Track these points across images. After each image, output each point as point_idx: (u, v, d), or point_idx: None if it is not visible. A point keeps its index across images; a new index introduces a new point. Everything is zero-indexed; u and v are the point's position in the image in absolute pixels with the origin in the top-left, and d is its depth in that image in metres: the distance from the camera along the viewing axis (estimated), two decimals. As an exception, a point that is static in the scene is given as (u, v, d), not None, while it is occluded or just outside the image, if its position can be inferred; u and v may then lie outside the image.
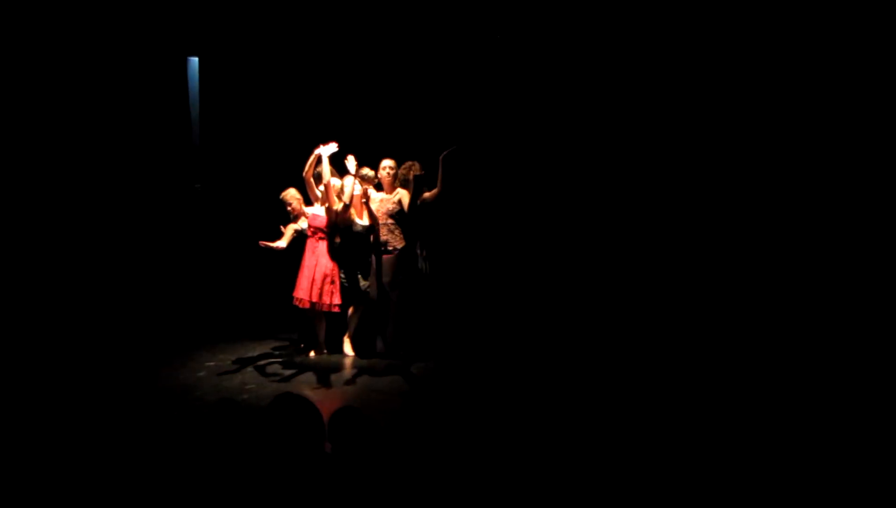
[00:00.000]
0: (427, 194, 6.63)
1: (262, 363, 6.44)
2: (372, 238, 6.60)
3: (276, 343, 7.22)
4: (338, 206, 6.57)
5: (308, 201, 6.74)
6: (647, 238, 6.86)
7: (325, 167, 6.45)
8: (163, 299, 7.91)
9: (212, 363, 6.41)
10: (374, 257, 6.66)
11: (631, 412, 4.90)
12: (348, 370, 6.31)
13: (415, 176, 6.52)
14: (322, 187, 6.57)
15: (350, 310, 6.81)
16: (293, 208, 6.82)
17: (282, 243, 6.68)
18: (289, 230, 6.80)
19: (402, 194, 6.68)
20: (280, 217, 6.97)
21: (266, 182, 7.74)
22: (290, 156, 7.24)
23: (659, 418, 4.78)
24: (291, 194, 6.83)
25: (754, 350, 5.86)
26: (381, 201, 6.71)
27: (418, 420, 4.74)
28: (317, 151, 6.46)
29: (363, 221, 6.65)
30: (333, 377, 6.09)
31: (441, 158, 6.45)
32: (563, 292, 7.18)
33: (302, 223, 6.82)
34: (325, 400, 5.40)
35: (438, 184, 6.57)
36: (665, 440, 4.38)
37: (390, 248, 6.62)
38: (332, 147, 6.46)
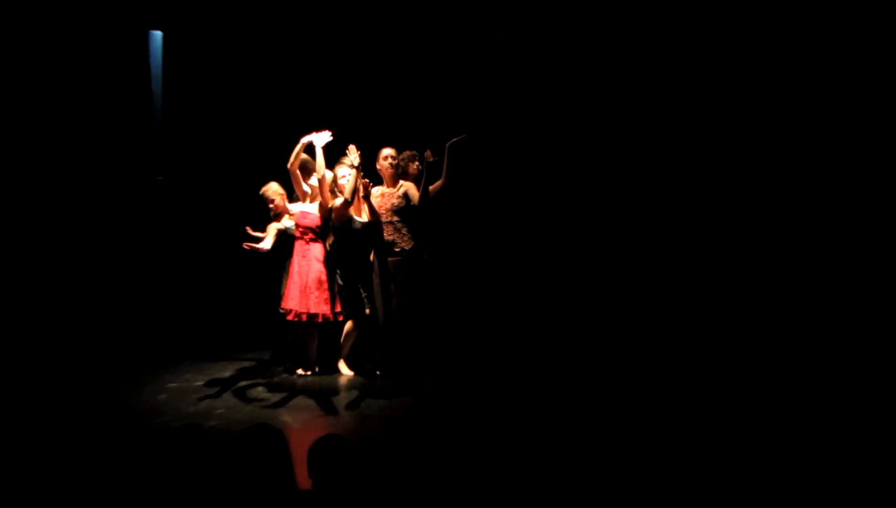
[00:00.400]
0: (430, 187, 6.50)
1: (237, 384, 6.28)
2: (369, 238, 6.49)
3: (253, 361, 7.06)
4: (335, 202, 6.38)
5: (291, 198, 6.65)
6: (651, 239, 7.12)
7: (319, 159, 6.25)
8: (118, 308, 7.82)
9: (174, 385, 6.26)
10: (375, 261, 6.49)
11: (643, 427, 5.05)
12: (343, 393, 6.12)
13: (427, 164, 6.37)
14: (313, 181, 6.38)
15: (348, 325, 6.56)
16: (276, 205, 6.64)
17: (266, 244, 6.41)
18: (271, 229, 6.56)
19: (408, 187, 6.52)
20: (260, 216, 6.73)
21: (241, 174, 7.69)
22: (270, 145, 7.17)
23: (665, 425, 5.05)
24: (273, 190, 6.65)
25: (754, 350, 6.27)
26: (383, 196, 6.52)
27: (423, 454, 4.68)
28: (304, 140, 6.26)
29: (361, 218, 6.47)
30: (324, 399, 5.89)
31: (447, 146, 6.34)
32: (580, 303, 7.29)
33: (286, 222, 6.63)
34: (309, 428, 5.24)
35: (443, 175, 6.47)
36: (671, 445, 4.67)
37: (397, 249, 6.46)
38: (326, 136, 6.25)
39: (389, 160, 6.56)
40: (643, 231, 7.24)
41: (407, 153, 6.66)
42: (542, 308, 7.45)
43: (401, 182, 6.60)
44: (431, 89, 7.93)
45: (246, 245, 6.31)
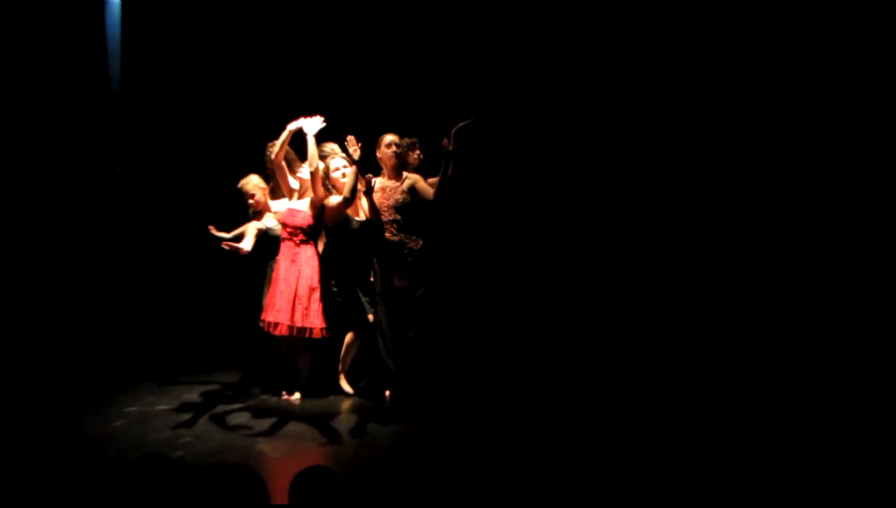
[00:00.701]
0: (433, 180, 6.33)
1: (208, 408, 6.17)
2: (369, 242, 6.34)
3: (226, 381, 6.93)
4: (330, 200, 6.21)
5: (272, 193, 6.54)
6: (655, 239, 7.38)
7: (312, 148, 6.07)
8: (68, 320, 7.70)
9: (133, 409, 6.12)
10: (377, 266, 6.33)
11: (657, 437, 5.33)
12: (338, 417, 6.00)
13: (444, 153, 6.11)
14: (303, 174, 6.26)
15: (349, 337, 6.42)
16: (256, 202, 6.49)
17: (246, 245, 6.25)
18: (250, 229, 6.42)
19: (415, 180, 6.31)
20: (235, 214, 6.65)
21: (213, 166, 7.65)
22: (249, 132, 7.11)
23: (674, 432, 5.41)
24: (254, 183, 6.50)
25: (754, 351, 6.64)
26: (384, 191, 6.30)
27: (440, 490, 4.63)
28: (292, 127, 6.13)
29: (358, 216, 6.35)
30: (313, 426, 5.76)
31: (453, 132, 6.13)
32: (600, 313, 7.46)
33: (268, 221, 6.51)
34: (293, 459, 5.12)
35: (449, 166, 6.21)
36: (677, 451, 5.06)
37: (405, 251, 6.27)
38: (317, 122, 6.12)
39: (394, 148, 6.33)
40: (653, 231, 7.44)
41: (406, 140, 6.46)
42: (562, 320, 7.51)
43: (405, 174, 6.39)
44: (431, 67, 7.83)
45: (225, 245, 6.14)
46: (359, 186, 6.27)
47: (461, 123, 6.16)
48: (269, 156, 6.45)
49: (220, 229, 6.44)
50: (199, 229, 6.59)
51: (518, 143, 7.72)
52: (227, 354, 7.54)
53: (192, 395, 6.59)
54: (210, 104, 8.31)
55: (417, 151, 6.48)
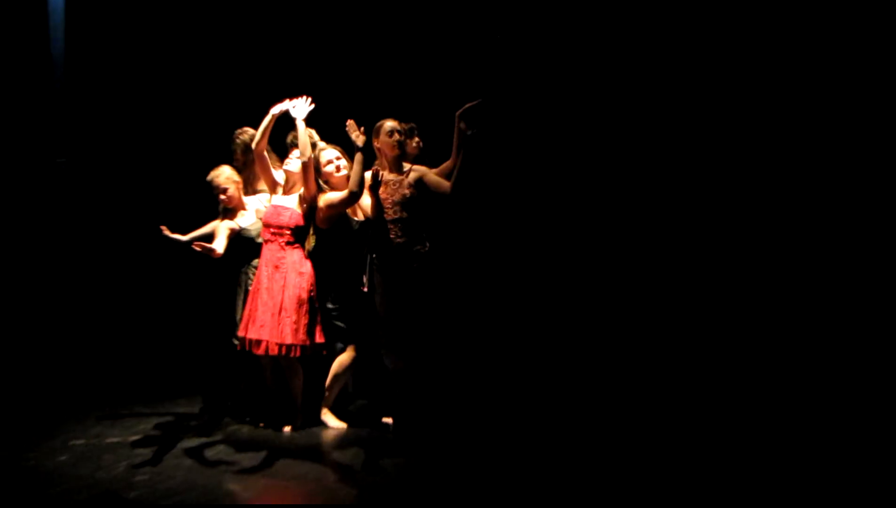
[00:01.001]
0: (438, 169, 6.26)
1: (169, 441, 6.05)
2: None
3: (189, 410, 6.88)
4: (329, 196, 6.05)
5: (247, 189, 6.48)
6: (660, 242, 7.69)
7: (303, 136, 5.92)
8: (2, 336, 7.59)
9: (80, 442, 5.92)
10: (378, 274, 6.22)
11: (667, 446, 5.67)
12: (328, 451, 5.82)
13: (463, 138, 5.99)
14: (290, 166, 6.17)
15: (343, 358, 6.23)
16: (229, 197, 6.33)
17: (218, 247, 6.08)
18: (221, 229, 6.26)
19: (423, 172, 6.17)
20: (199, 212, 6.55)
21: (169, 157, 7.78)
22: (210, 119, 7.17)
23: (679, 438, 5.84)
24: (227, 176, 6.34)
25: (754, 351, 7.09)
26: (388, 186, 6.16)
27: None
28: (276, 111, 6.00)
29: (357, 216, 6.27)
30: (298, 460, 5.62)
31: (458, 115, 6.00)
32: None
33: (241, 220, 6.40)
34: (269, 498, 5.05)
35: (453, 155, 6.17)
36: (682, 456, 5.46)
37: (412, 256, 6.17)
38: (305, 105, 6.02)
39: (396, 136, 6.17)
40: (658, 233, 7.72)
41: (404, 126, 6.40)
42: (580, 338, 7.69)
43: (407, 166, 6.27)
44: (430, 41, 7.93)
45: (196, 246, 5.95)
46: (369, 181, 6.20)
47: (468, 104, 6.05)
48: (240, 144, 6.46)
49: (175, 231, 6.26)
50: (155, 230, 6.39)
51: (524, 131, 7.88)
52: (191, 378, 7.46)
53: (149, 426, 6.45)
54: (168, 86, 8.27)
55: (416, 139, 6.42)
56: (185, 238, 6.23)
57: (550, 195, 7.88)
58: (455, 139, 6.12)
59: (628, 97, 7.68)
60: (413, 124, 6.42)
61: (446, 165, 6.28)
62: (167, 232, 6.15)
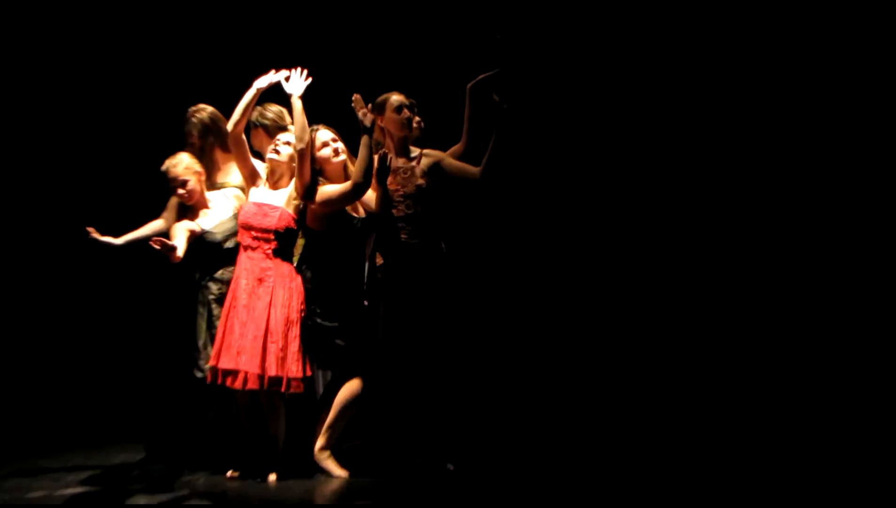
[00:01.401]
0: (450, 154, 5.95)
1: (107, 498, 5.37)
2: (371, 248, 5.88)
3: (138, 456, 6.28)
4: (329, 189, 5.53)
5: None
6: (667, 245, 7.78)
7: (300, 116, 5.46)
8: None
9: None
10: (387, 283, 5.79)
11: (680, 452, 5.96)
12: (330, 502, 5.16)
13: (500, 109, 5.70)
14: (279, 152, 5.66)
15: (349, 389, 5.60)
16: (189, 193, 5.76)
17: (178, 247, 5.52)
18: (178, 230, 5.70)
19: (439, 157, 5.85)
20: (143, 210, 6.07)
21: (103, 143, 7.47)
22: (156, 93, 7.15)
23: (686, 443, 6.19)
24: (187, 165, 5.78)
25: (755, 352, 7.42)
26: (396, 175, 5.78)
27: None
28: (260, 84, 5.58)
29: (359, 213, 5.83)
30: None
31: (468, 88, 5.77)
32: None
33: (203, 221, 5.83)
34: None
35: (464, 137, 5.92)
36: (687, 462, 5.70)
37: (427, 260, 5.79)
38: (301, 80, 5.65)
39: (406, 112, 5.76)
40: (665, 236, 7.77)
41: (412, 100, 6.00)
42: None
43: (416, 151, 5.87)
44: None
45: (155, 243, 5.36)
46: (351, 168, 5.82)
47: (482, 75, 5.87)
48: (196, 124, 6.08)
49: (106, 233, 5.82)
50: (81, 233, 5.97)
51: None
52: (135, 419, 6.89)
53: (81, 477, 5.76)
54: (103, 53, 7.78)
55: (417, 117, 6.09)
56: (118, 242, 5.79)
57: (573, 189, 7.89)
58: (466, 118, 5.99)
59: (641, 94, 7.80)
60: (413, 100, 6.10)
61: (456, 148, 6.07)
62: (96, 234, 5.74)
